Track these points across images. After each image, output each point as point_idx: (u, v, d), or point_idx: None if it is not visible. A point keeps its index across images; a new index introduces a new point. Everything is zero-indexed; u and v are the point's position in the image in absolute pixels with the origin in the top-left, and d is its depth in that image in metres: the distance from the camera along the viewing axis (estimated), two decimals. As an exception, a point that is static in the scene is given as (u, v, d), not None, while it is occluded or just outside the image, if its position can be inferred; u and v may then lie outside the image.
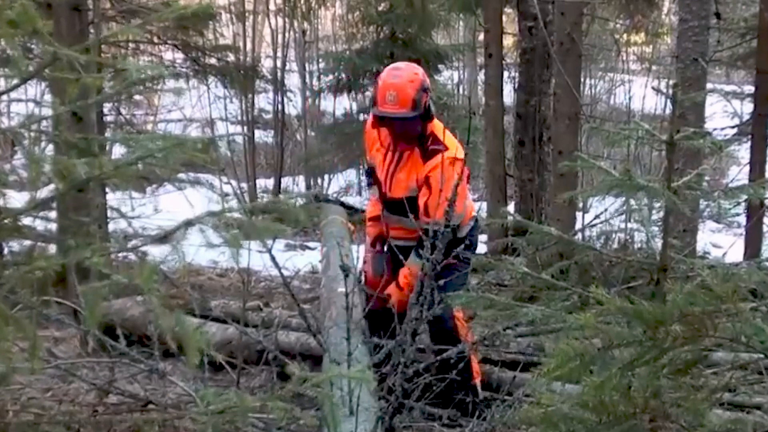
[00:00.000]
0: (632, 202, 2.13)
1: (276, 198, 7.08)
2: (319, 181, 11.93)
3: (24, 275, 1.70)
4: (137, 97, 9.98)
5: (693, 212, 4.48)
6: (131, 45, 7.94)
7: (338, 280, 3.13)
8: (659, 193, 1.99)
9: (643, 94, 11.71)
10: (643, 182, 1.99)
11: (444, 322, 3.01)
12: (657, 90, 10.93)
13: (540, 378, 1.78)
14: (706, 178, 5.48)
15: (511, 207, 7.39)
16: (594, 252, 2.58)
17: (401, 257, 3.19)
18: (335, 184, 12.13)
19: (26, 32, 1.68)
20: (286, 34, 11.76)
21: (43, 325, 3.44)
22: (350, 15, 11.16)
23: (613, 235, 5.73)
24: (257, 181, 10.96)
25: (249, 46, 11.12)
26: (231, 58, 8.97)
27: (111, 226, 5.38)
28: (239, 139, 10.77)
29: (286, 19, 11.77)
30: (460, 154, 3.15)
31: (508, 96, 8.18)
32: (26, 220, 1.89)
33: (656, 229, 2.33)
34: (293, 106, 12.32)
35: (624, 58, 12.71)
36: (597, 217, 6.04)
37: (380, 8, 9.66)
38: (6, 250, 2.12)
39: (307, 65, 12.70)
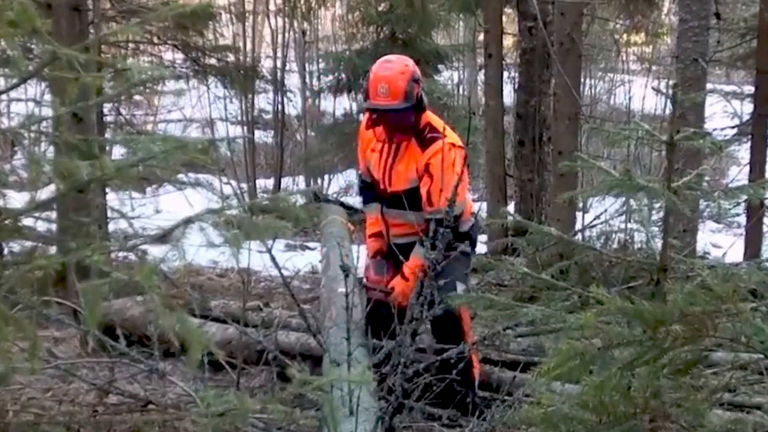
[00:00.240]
0: (632, 202, 2.13)
1: (276, 195, 7.08)
2: (319, 181, 11.92)
3: (24, 275, 1.70)
4: (137, 97, 9.98)
5: (693, 212, 4.48)
6: (131, 45, 7.94)
7: (338, 280, 3.13)
8: (659, 194, 1.99)
9: (643, 95, 11.70)
10: (643, 182, 1.99)
11: (452, 311, 2.94)
12: (657, 90, 10.92)
13: (539, 377, 1.78)
14: (706, 178, 5.48)
15: (511, 207, 7.38)
16: (594, 252, 2.59)
17: (401, 258, 3.15)
18: (335, 184, 12.12)
19: (26, 32, 1.68)
20: (286, 34, 11.76)
21: (43, 325, 3.44)
22: (350, 15, 11.16)
23: (613, 235, 5.73)
24: (257, 181, 10.95)
25: (249, 46, 11.11)
26: (231, 58, 8.97)
27: (111, 227, 5.38)
28: (239, 139, 10.76)
29: (286, 19, 11.76)
30: (459, 142, 3.15)
31: (508, 96, 8.17)
32: (27, 221, 1.89)
33: (656, 229, 2.33)
34: (293, 107, 12.31)
35: (624, 58, 12.71)
36: (597, 217, 6.05)
37: (380, 8, 9.66)
38: (6, 251, 2.12)
39: (307, 65, 12.69)
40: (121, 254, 3.05)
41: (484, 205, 7.43)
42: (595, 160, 2.29)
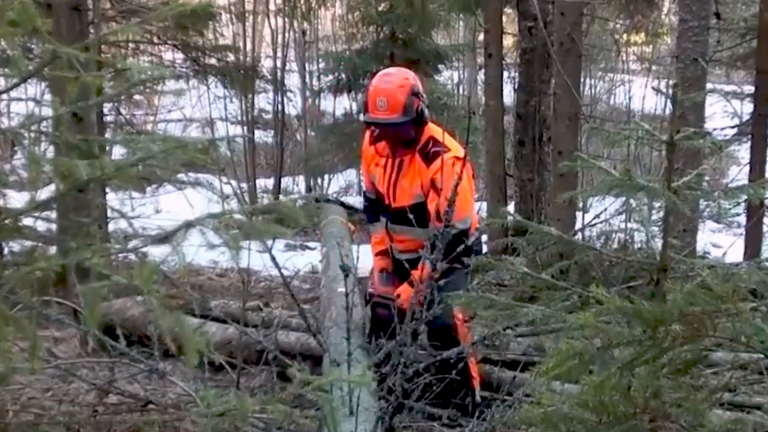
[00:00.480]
0: (632, 202, 2.13)
1: (276, 201, 7.08)
2: (319, 181, 11.92)
3: (24, 275, 1.70)
4: (137, 97, 9.98)
5: (693, 212, 4.48)
6: (131, 45, 7.95)
7: (338, 280, 3.13)
8: (659, 193, 1.99)
9: (643, 94, 11.70)
10: (643, 182, 1.99)
11: (444, 319, 2.97)
12: (657, 90, 10.92)
13: (539, 377, 1.78)
14: (706, 178, 5.48)
15: (511, 207, 7.38)
16: (594, 252, 2.58)
17: (408, 267, 3.09)
18: (335, 184, 12.12)
19: (26, 32, 1.68)
20: (286, 34, 11.76)
21: (43, 325, 3.44)
22: (350, 15, 11.16)
23: (613, 235, 5.74)
24: (257, 181, 10.95)
25: (249, 46, 11.11)
26: (231, 58, 8.98)
27: (111, 227, 5.39)
28: (239, 139, 10.76)
29: (286, 19, 11.76)
30: (462, 154, 3.13)
31: (508, 96, 8.17)
32: (27, 221, 1.89)
33: (656, 229, 2.33)
34: (293, 106, 12.31)
35: (624, 58, 12.70)
36: (597, 217, 6.05)
37: (380, 8, 9.65)
38: (6, 251, 2.12)
39: (307, 65, 12.69)
40: (121, 254, 3.05)
41: (484, 204, 7.43)
42: (595, 160, 2.29)
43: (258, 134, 12.01)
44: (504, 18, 7.73)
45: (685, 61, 4.70)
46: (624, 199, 2.22)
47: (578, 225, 6.09)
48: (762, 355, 1.88)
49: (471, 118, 8.98)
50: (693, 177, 2.06)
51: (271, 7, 12.20)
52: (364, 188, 3.54)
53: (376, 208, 3.41)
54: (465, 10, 8.78)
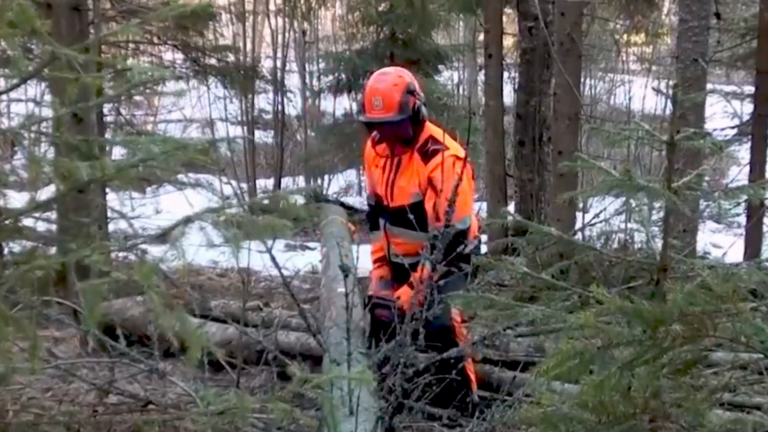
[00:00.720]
0: (632, 202, 2.13)
1: (275, 193, 7.07)
2: (319, 181, 11.93)
3: (24, 275, 1.70)
4: (137, 97, 9.98)
5: (693, 212, 4.47)
6: (131, 45, 7.94)
7: (338, 280, 3.12)
8: (659, 194, 1.99)
9: (643, 95, 11.71)
10: (643, 182, 1.99)
11: (442, 321, 2.97)
12: (657, 90, 10.93)
13: (539, 377, 1.78)
14: (706, 178, 5.48)
15: (511, 207, 7.38)
16: (594, 252, 2.58)
17: (408, 268, 3.07)
18: (335, 184, 12.13)
19: (26, 32, 1.68)
20: (286, 35, 11.77)
21: (43, 325, 3.44)
22: (350, 15, 11.17)
23: (613, 235, 5.73)
24: (257, 181, 10.96)
25: (249, 46, 11.12)
26: (231, 58, 8.98)
27: (111, 227, 5.39)
28: (239, 139, 10.77)
29: (286, 20, 11.77)
30: (462, 154, 3.13)
31: (508, 96, 8.18)
32: (27, 221, 1.89)
33: (656, 229, 2.33)
34: (293, 107, 12.32)
35: (624, 58, 12.71)
36: (597, 216, 6.05)
37: (380, 8, 9.66)
38: (6, 251, 2.12)
39: (307, 65, 12.70)
40: (121, 254, 3.05)
41: (485, 205, 7.43)
42: (595, 160, 2.29)
43: (258, 134, 12.02)
44: (504, 18, 7.73)
45: (685, 62, 4.70)
46: (624, 199, 2.22)
47: (578, 225, 6.09)
48: (762, 355, 1.88)
49: (471, 118, 8.97)
50: (693, 177, 2.06)
51: (271, 7, 12.20)
52: (367, 194, 3.53)
53: (377, 214, 3.40)
54: (465, 10, 8.80)
